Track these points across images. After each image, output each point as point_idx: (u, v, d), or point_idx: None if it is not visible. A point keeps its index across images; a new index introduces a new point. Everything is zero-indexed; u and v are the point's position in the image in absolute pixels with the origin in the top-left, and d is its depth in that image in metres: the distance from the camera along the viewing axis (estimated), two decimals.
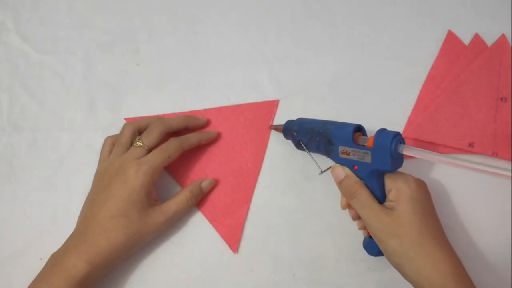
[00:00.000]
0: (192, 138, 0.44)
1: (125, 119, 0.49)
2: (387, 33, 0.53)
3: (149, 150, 0.41)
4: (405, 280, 0.36)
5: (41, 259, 0.38)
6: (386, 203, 0.37)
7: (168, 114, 0.48)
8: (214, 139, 0.47)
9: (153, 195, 0.41)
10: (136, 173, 0.39)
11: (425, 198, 0.37)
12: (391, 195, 0.37)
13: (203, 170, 0.46)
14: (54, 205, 0.46)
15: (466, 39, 0.51)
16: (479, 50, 0.50)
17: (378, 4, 0.54)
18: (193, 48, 0.53)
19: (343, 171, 0.38)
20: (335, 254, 0.43)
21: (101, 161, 0.43)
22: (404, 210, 0.35)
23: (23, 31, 0.54)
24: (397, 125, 0.48)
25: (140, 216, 0.39)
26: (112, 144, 0.43)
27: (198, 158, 0.46)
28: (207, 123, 0.48)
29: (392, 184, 0.37)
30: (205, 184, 0.44)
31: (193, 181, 0.44)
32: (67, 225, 0.40)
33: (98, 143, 0.48)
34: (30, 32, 0.54)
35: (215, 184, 0.45)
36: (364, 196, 0.37)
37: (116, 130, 0.48)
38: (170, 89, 0.51)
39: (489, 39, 0.50)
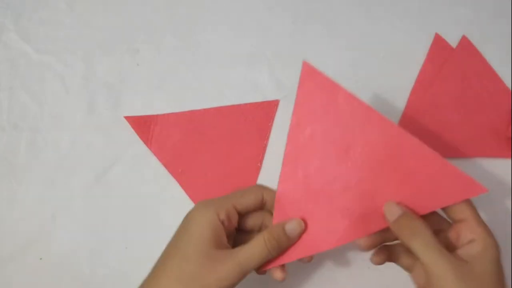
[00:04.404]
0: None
1: (125, 117, 0.49)
2: (387, 33, 0.53)
3: None
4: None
5: (41, 259, 0.38)
6: (460, 252, 0.30)
7: (168, 114, 0.48)
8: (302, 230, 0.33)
9: (222, 240, 0.32)
10: (202, 207, 0.32)
11: (502, 269, 0.30)
12: (472, 248, 0.30)
13: (203, 170, 0.46)
14: (54, 205, 0.46)
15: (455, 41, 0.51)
16: (467, 52, 0.50)
17: (378, 4, 0.54)
18: (193, 48, 0.53)
19: (399, 209, 0.31)
20: (334, 254, 0.43)
21: None
22: (488, 270, 0.29)
23: (23, 31, 0.54)
24: None
25: (201, 261, 0.30)
26: None
27: (198, 158, 0.46)
28: None
29: (479, 236, 0.30)
30: (291, 226, 0.32)
31: (191, 179, 0.44)
32: (67, 225, 0.40)
33: (98, 143, 0.48)
34: (30, 32, 0.54)
35: (304, 227, 0.33)
36: (429, 235, 0.30)
37: (116, 130, 0.48)
38: (170, 89, 0.51)
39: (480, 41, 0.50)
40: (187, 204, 0.45)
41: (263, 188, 0.35)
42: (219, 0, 0.55)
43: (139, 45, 0.53)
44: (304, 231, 0.33)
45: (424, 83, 0.49)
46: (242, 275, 0.30)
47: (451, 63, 0.50)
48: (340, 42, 0.52)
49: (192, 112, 0.49)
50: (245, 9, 0.54)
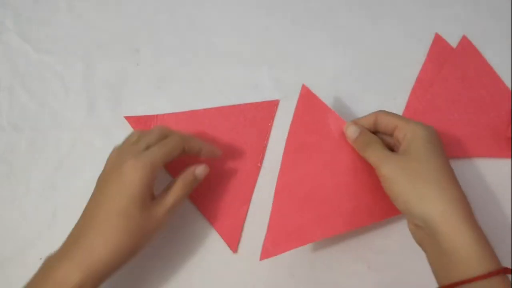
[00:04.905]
0: (194, 142, 0.41)
1: (125, 117, 0.49)
2: (387, 33, 0.53)
3: (148, 148, 0.39)
4: (405, 281, 0.36)
5: (41, 259, 0.38)
6: (401, 147, 0.38)
7: (169, 114, 0.48)
8: (215, 156, 0.43)
9: (152, 190, 0.38)
10: (134, 166, 0.36)
11: (439, 146, 0.37)
12: (405, 139, 0.38)
13: None
14: (54, 205, 0.46)
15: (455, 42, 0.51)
16: (467, 52, 0.50)
17: (379, 3, 0.54)
18: (193, 48, 0.53)
19: (357, 128, 0.40)
20: (335, 254, 0.43)
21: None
22: (417, 148, 0.36)
23: (23, 31, 0.54)
24: None
25: (141, 213, 0.35)
26: None
27: (197, 158, 0.46)
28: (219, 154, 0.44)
29: (407, 128, 0.38)
30: (199, 171, 0.40)
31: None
32: (67, 225, 0.40)
33: (98, 143, 0.48)
34: (30, 32, 0.54)
35: (209, 171, 0.41)
36: (377, 143, 0.39)
37: (116, 130, 0.48)
38: (170, 89, 0.51)
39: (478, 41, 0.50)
40: (187, 204, 0.45)
41: (184, 139, 0.40)
42: (219, 0, 0.55)
43: (139, 45, 0.53)
44: (208, 173, 0.40)
45: (424, 83, 0.49)
46: (166, 220, 0.38)
47: (451, 63, 0.50)
48: (340, 42, 0.52)
49: (192, 112, 0.49)
50: (245, 9, 0.54)
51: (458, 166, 0.46)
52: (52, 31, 0.54)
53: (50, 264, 0.35)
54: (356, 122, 0.42)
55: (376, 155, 0.38)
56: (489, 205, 0.44)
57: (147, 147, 0.38)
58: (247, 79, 0.51)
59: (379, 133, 0.41)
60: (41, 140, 0.48)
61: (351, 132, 0.41)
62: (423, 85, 0.49)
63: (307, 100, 0.43)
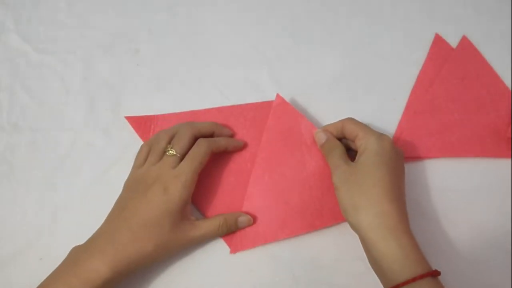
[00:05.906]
0: (221, 142, 0.44)
1: (126, 117, 0.49)
2: (387, 33, 0.53)
3: (182, 157, 0.41)
4: None
5: (41, 259, 0.38)
6: (358, 156, 0.40)
7: (169, 114, 0.48)
8: (240, 149, 0.46)
9: (188, 209, 0.41)
10: (175, 184, 0.39)
11: (394, 160, 0.39)
12: (360, 149, 0.40)
13: (202, 170, 0.46)
14: (54, 205, 0.46)
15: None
16: (467, 52, 0.50)
17: (379, 4, 0.54)
18: (193, 48, 0.53)
19: (324, 135, 0.43)
20: (335, 254, 0.43)
21: (135, 167, 0.43)
22: (364, 161, 0.38)
23: (23, 31, 0.54)
24: (397, 126, 0.48)
25: (172, 228, 0.38)
26: (148, 152, 0.43)
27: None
28: (232, 135, 0.47)
29: (363, 139, 0.40)
30: (242, 220, 0.42)
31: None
32: (67, 225, 0.40)
33: (98, 143, 0.48)
34: (30, 32, 0.54)
35: (252, 222, 0.43)
36: (338, 150, 0.41)
37: (116, 130, 0.48)
38: (170, 89, 0.51)
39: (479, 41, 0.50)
40: None
41: (211, 142, 0.42)
42: (219, 0, 0.55)
43: (139, 45, 0.53)
44: (251, 225, 0.43)
45: (424, 83, 0.49)
46: (192, 244, 0.41)
47: (451, 63, 0.50)
48: (340, 42, 0.52)
49: (192, 112, 0.49)
50: (245, 9, 0.54)
51: (458, 166, 0.46)
52: (52, 31, 0.54)
53: (78, 255, 0.37)
54: (325, 128, 0.44)
55: (333, 162, 0.40)
56: (489, 205, 0.44)
57: (182, 157, 0.41)
58: (247, 79, 0.51)
59: (348, 139, 0.43)
60: (41, 140, 0.48)
61: (318, 138, 0.43)
62: (423, 85, 0.49)
63: (281, 108, 0.46)
